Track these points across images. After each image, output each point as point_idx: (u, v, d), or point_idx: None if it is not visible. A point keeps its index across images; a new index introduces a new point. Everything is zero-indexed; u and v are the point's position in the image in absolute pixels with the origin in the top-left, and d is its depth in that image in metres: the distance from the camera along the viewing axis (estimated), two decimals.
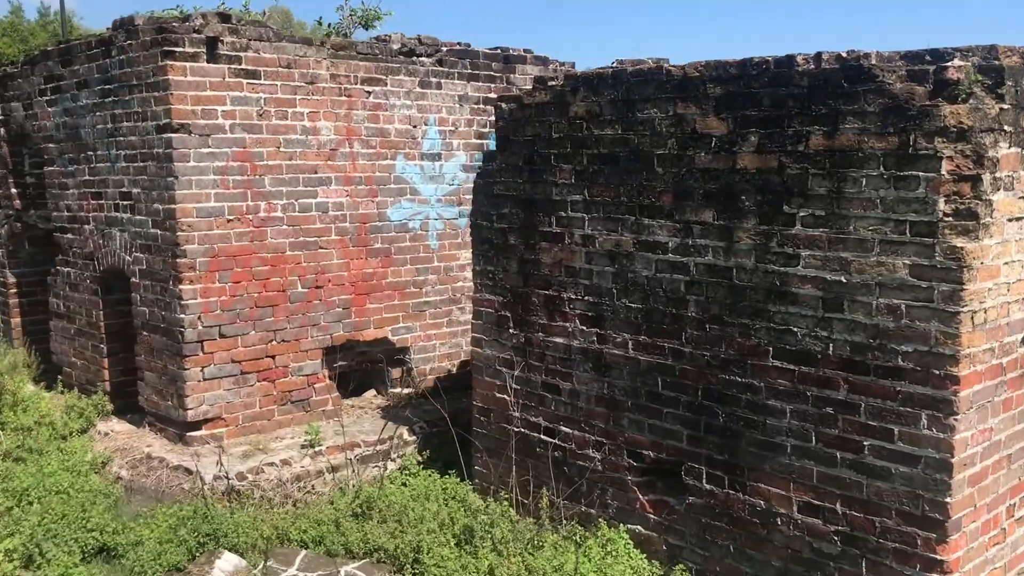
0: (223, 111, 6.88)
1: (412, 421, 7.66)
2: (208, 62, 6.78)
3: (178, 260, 6.81)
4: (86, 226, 7.88)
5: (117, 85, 7.17)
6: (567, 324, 5.95)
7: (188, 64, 6.69)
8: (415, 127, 8.00)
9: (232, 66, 6.89)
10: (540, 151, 5.99)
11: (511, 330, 6.34)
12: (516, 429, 6.33)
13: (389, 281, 7.99)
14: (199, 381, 6.96)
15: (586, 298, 5.80)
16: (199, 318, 6.92)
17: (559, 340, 6.01)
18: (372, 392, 8.29)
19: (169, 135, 6.70)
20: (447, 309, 8.42)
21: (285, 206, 7.30)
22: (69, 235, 8.18)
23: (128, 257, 7.35)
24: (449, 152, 8.26)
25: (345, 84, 7.52)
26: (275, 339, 7.34)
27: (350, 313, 7.77)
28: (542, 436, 6.17)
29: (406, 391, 8.23)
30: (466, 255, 8.40)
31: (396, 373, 8.25)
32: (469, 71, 8.33)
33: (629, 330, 5.57)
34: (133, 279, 7.34)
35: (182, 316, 6.85)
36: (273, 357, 7.35)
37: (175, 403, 7.02)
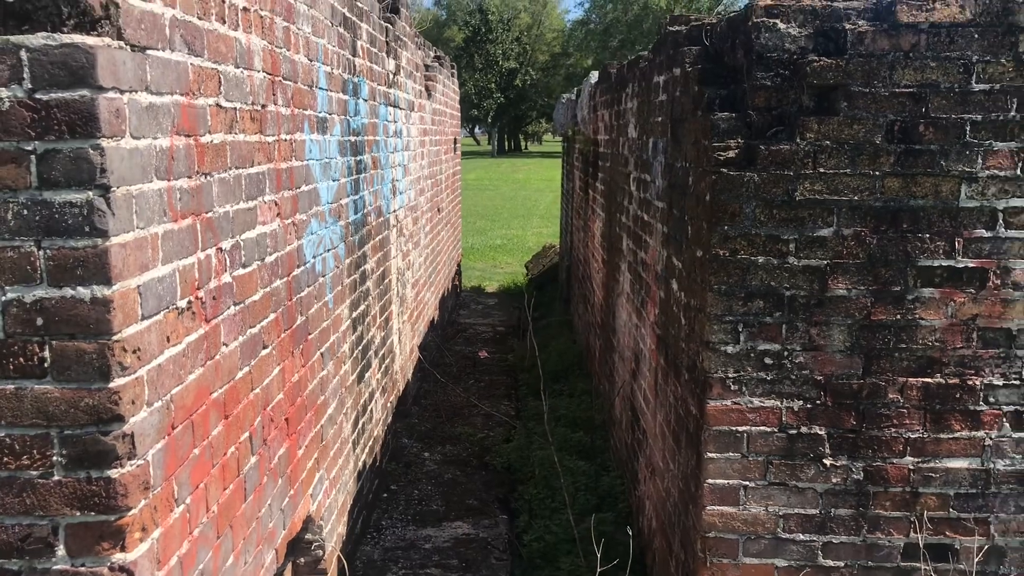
0: None
1: None
2: None
3: (110, 475, 1.96)
4: None
5: None
6: (978, 433, 3.29)
7: None
8: (311, 60, 3.77)
9: None
10: (934, 117, 3.14)
11: (826, 460, 3.33)
12: None
13: (309, 392, 3.69)
14: None
15: None
16: None
17: (957, 464, 3.31)
18: None
19: (77, 38, 1.83)
20: (340, 425, 4.31)
21: (232, 254, 2.72)
22: None
23: None
24: (331, 115, 4.14)
25: None
26: None
27: (288, 485, 3.36)
28: None
29: None
30: (349, 312, 4.45)
31: None
32: None
33: None
34: None
35: None
36: None
37: None
